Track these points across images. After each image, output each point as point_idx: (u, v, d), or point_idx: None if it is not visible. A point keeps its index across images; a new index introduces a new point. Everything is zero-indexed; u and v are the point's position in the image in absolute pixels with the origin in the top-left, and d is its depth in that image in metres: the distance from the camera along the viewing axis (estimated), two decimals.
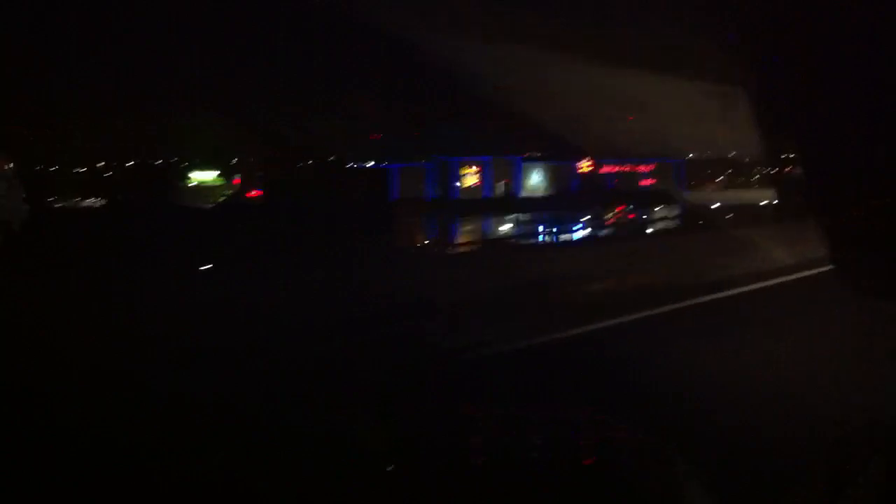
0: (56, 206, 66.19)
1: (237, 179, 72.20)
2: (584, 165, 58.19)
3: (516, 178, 52.70)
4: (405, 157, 53.50)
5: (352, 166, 57.54)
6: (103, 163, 74.22)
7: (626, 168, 61.84)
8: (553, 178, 56.42)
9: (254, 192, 67.04)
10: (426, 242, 37.79)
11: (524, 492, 1.60)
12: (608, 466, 1.72)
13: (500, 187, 52.04)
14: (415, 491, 1.60)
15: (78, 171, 72.71)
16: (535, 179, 55.62)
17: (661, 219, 53.07)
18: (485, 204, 48.38)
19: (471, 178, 50.69)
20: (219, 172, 71.74)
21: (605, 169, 60.36)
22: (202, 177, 70.86)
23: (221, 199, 70.64)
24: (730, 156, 79.54)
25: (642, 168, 62.73)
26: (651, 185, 60.62)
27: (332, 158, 66.19)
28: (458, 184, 50.18)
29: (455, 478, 1.69)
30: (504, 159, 52.12)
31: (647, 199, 53.77)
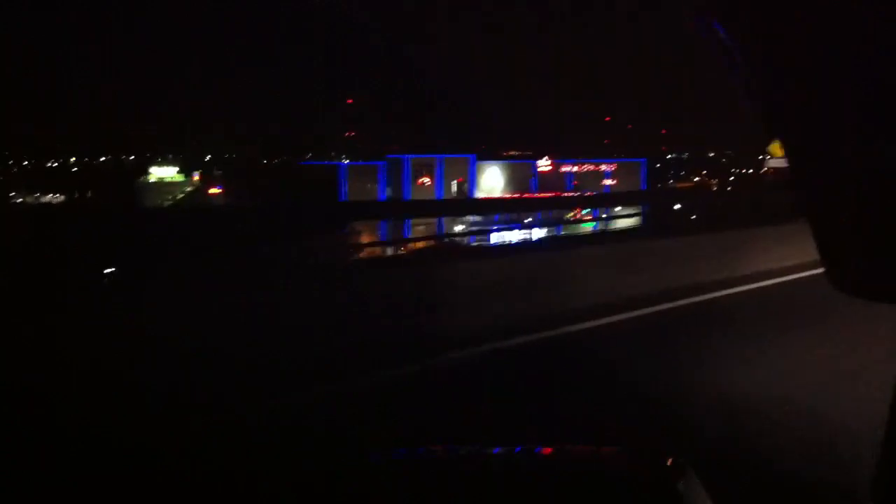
0: (16, 201, 64.39)
1: (197, 176, 70.56)
2: (544, 164, 56.43)
3: (471, 176, 50.86)
4: (373, 154, 51.73)
5: (303, 164, 55.75)
6: (71, 158, 72.29)
7: (587, 168, 60.09)
8: (511, 177, 54.65)
9: (213, 190, 65.30)
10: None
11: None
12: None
13: (454, 187, 50.18)
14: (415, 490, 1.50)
15: (36, 165, 70.95)
16: (492, 179, 53.79)
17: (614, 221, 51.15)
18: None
19: (423, 177, 48.83)
20: (178, 169, 70.42)
21: (565, 168, 58.65)
22: (163, 173, 69.45)
23: (181, 195, 69.15)
24: (710, 155, 77.79)
25: (604, 167, 61.00)
26: (613, 186, 59.00)
27: (291, 156, 64.27)
28: (409, 183, 48.31)
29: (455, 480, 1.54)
30: (458, 158, 50.24)
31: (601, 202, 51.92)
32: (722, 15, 0.82)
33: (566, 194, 55.11)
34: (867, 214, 0.82)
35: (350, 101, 67.85)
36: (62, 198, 67.25)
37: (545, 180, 55.50)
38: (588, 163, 60.44)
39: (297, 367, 5.25)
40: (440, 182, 49.09)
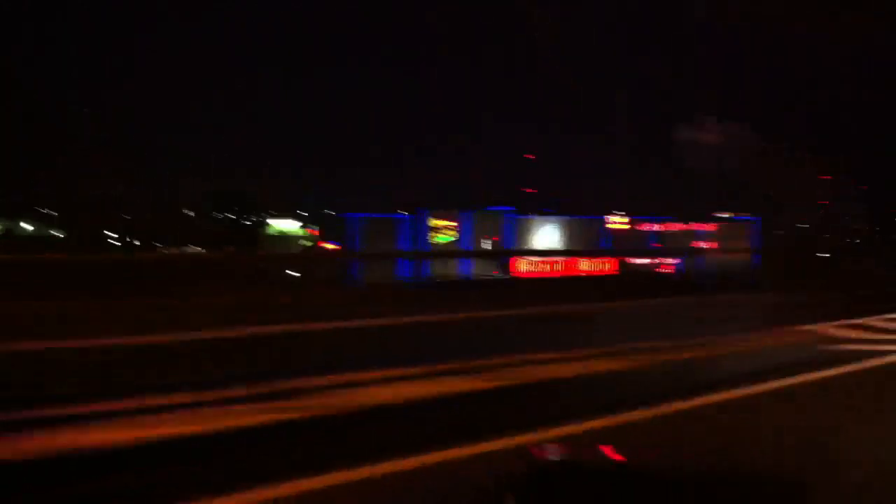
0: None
1: (314, 230, 69.29)
2: (616, 221, 46.40)
3: (506, 234, 42.49)
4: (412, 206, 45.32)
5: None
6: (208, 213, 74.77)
7: (676, 227, 48.82)
8: (573, 236, 45.41)
9: (330, 245, 62.97)
10: None
11: None
12: None
13: (487, 245, 42.15)
14: None
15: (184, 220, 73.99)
16: (550, 238, 44.92)
17: None
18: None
19: (445, 233, 41.37)
20: (301, 224, 69.92)
21: (645, 227, 48.05)
22: (283, 226, 69.37)
23: (295, 249, 68.45)
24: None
25: (698, 227, 49.26)
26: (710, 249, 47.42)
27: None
28: (427, 240, 41.10)
29: None
30: (490, 212, 42.27)
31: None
32: None
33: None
34: None
35: (532, 156, 61.51)
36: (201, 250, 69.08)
37: (620, 240, 45.65)
38: (674, 221, 49.29)
39: None
40: (466, 240, 41.42)
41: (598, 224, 46.45)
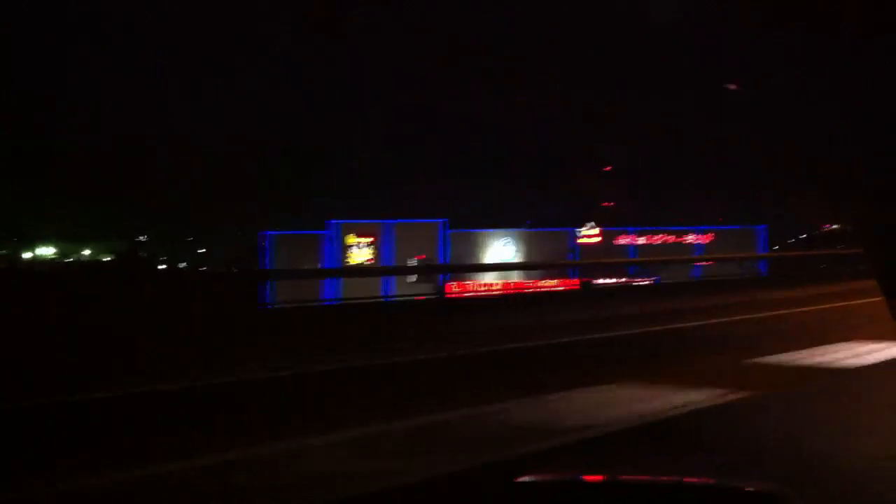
0: None
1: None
2: (587, 233, 37.99)
3: (439, 251, 34.87)
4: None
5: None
6: None
7: (661, 240, 39.87)
8: (534, 251, 37.43)
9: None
10: None
11: None
12: None
13: (413, 266, 34.62)
14: None
15: None
16: (504, 254, 37.10)
17: None
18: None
19: (360, 252, 34.14)
20: None
21: (624, 240, 39.51)
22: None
23: None
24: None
25: (691, 239, 40.22)
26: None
27: None
28: (338, 258, 33.97)
29: None
30: (417, 224, 34.73)
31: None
32: None
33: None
34: None
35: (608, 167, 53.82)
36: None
37: (592, 256, 37.25)
38: (663, 231, 40.57)
39: None
40: (388, 258, 34.08)
41: (562, 238, 38.38)
